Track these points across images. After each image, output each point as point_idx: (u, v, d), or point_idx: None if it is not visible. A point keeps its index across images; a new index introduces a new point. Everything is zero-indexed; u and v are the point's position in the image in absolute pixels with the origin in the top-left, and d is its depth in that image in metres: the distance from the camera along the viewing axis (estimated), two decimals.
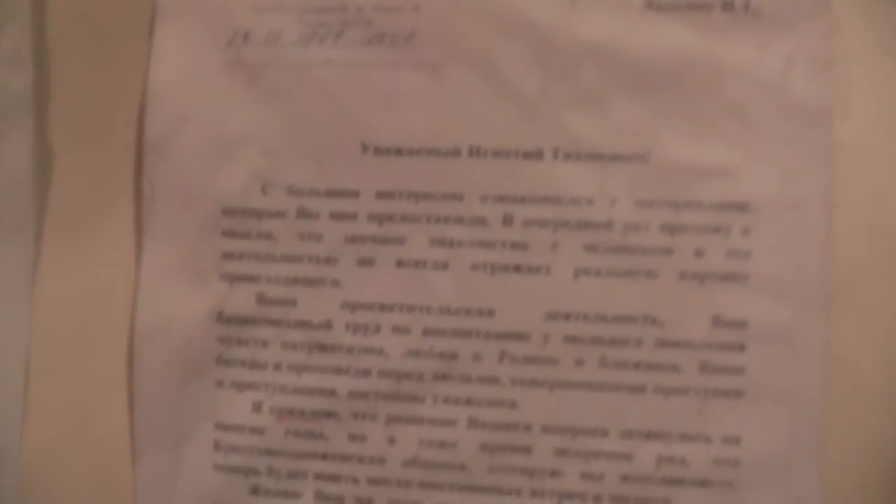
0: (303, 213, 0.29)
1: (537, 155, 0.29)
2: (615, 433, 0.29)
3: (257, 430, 0.30)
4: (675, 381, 0.29)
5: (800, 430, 0.29)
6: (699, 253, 0.28)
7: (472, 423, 0.29)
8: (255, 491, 0.30)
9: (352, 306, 0.29)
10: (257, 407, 0.30)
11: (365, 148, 0.29)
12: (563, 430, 0.29)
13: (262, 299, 0.29)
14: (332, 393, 0.29)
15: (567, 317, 0.29)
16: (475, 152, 0.29)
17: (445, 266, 0.29)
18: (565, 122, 0.28)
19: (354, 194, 0.29)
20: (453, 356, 0.29)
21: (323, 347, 0.29)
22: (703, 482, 0.29)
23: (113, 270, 0.30)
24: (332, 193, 0.29)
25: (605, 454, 0.29)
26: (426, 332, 0.29)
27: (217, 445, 0.30)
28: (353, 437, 0.30)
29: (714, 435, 0.29)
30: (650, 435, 0.29)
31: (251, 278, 0.29)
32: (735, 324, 0.28)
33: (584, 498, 0.29)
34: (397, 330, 0.29)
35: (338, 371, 0.29)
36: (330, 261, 0.29)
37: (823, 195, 0.28)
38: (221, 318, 0.30)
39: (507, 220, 0.29)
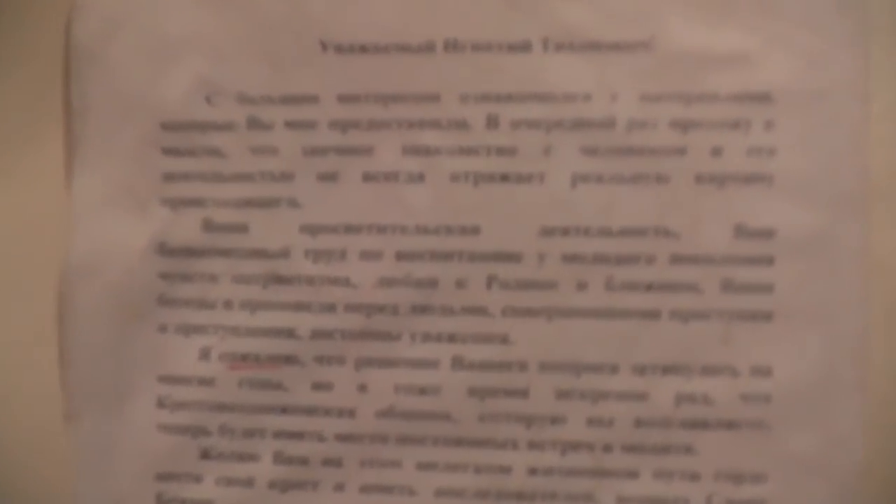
0: (254, 124, 0.25)
1: (524, 47, 0.25)
2: (626, 369, 0.24)
3: (206, 382, 0.25)
4: (694, 303, 0.24)
5: (838, 357, 0.24)
6: (716, 152, 0.24)
7: (457, 363, 0.24)
8: (205, 455, 0.25)
9: (312, 230, 0.25)
10: (205, 354, 0.25)
11: (324, 46, 0.25)
12: (565, 367, 0.24)
13: (209, 226, 0.25)
14: (291, 333, 0.25)
15: (565, 232, 0.24)
16: (452, 46, 0.24)
17: (421, 178, 0.24)
18: (555, 7, 0.24)
19: (313, 100, 0.25)
20: (433, 284, 0.24)
21: (280, 280, 0.25)
22: (730, 423, 0.24)
23: (42, 201, 0.26)
24: (287, 100, 0.25)
25: (614, 394, 0.24)
26: (400, 256, 0.24)
27: (161, 402, 0.25)
28: (317, 386, 0.25)
29: (741, 366, 0.24)
30: (667, 369, 0.24)
31: (196, 202, 0.25)
32: (761, 233, 0.24)
33: (591, 448, 0.24)
34: (366, 255, 0.25)
35: (298, 307, 0.25)
36: (286, 177, 0.25)
37: (857, 81, 0.24)
38: (163, 249, 0.25)
39: (492, 123, 0.24)
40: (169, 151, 0.25)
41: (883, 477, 0.25)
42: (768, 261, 0.24)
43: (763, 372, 0.24)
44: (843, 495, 0.24)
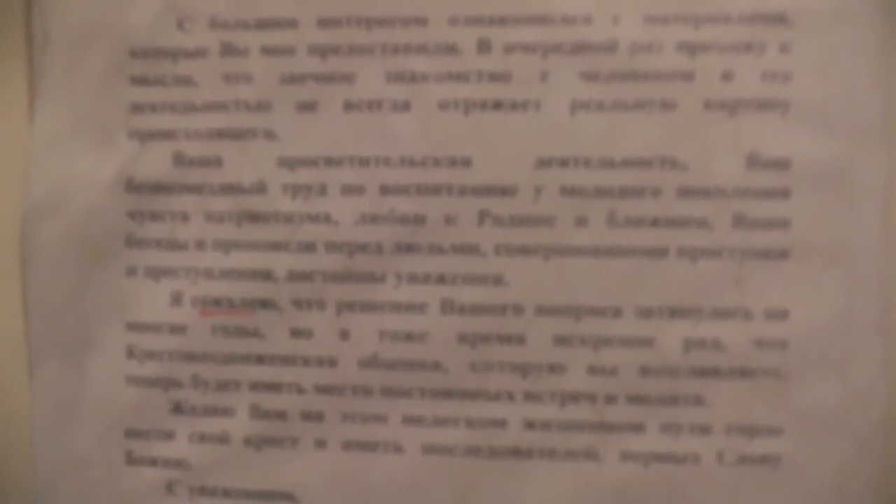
0: (228, 50, 0.23)
1: None
2: (630, 312, 0.22)
3: (178, 329, 0.23)
4: (704, 239, 0.22)
5: (859, 300, 0.22)
6: (727, 77, 0.22)
7: (447, 306, 0.22)
8: (177, 409, 0.23)
9: (290, 163, 0.22)
10: (177, 299, 0.22)
11: None
12: (564, 311, 0.22)
13: (179, 160, 0.23)
14: (267, 275, 0.22)
15: (563, 163, 0.22)
16: None
17: (407, 106, 0.22)
18: None
19: (291, 24, 0.23)
20: (420, 220, 0.22)
21: (255, 217, 0.22)
22: (743, 371, 0.22)
23: (5, 138, 0.23)
24: (263, 24, 0.23)
25: (618, 340, 0.22)
26: (384, 190, 0.22)
27: (130, 351, 0.23)
28: (296, 333, 0.22)
29: (755, 309, 0.22)
30: (675, 312, 0.22)
31: (166, 134, 0.23)
32: (775, 164, 0.22)
33: (592, 399, 0.22)
34: (348, 190, 0.22)
35: (275, 247, 0.22)
36: (262, 107, 0.22)
37: (880, 1, 0.22)
38: (131, 185, 0.23)
39: (484, 47, 0.22)
40: (137, 80, 0.23)
41: None
42: (784, 194, 0.22)
43: (779, 315, 0.22)
44: (864, 451, 0.22)
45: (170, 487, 0.24)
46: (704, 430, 0.22)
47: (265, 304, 0.23)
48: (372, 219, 0.23)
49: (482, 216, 0.22)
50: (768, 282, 0.22)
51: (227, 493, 0.24)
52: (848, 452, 0.22)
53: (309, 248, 0.23)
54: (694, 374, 0.22)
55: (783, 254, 0.22)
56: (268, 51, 0.23)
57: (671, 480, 0.23)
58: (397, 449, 0.23)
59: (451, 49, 0.22)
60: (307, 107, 0.23)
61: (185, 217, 0.23)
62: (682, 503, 0.23)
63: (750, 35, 0.22)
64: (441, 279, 0.23)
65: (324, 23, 0.23)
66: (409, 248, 0.23)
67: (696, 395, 0.22)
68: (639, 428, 0.23)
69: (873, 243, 0.22)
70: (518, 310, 0.22)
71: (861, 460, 0.22)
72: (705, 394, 0.22)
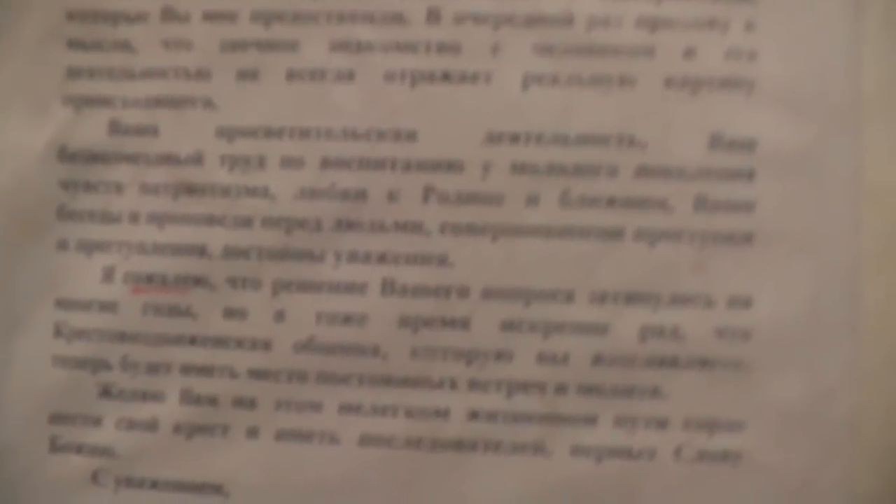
0: (169, 15, 0.21)
1: None
2: (583, 297, 0.20)
3: (108, 307, 0.21)
4: (664, 222, 0.21)
5: (827, 290, 0.21)
6: (689, 53, 0.20)
7: (388, 287, 0.20)
8: (105, 393, 0.21)
9: (229, 133, 0.21)
10: (108, 274, 0.21)
11: None
12: (513, 294, 0.20)
13: (115, 128, 0.21)
14: (202, 251, 0.21)
15: (514, 139, 0.20)
16: None
17: (351, 77, 0.21)
18: None
19: None
20: (361, 196, 0.21)
21: (192, 189, 0.21)
22: (704, 362, 0.20)
23: None
24: None
25: (569, 326, 0.20)
26: (325, 163, 0.21)
27: (58, 330, 0.21)
28: (229, 313, 0.21)
29: (717, 295, 0.21)
30: (631, 298, 0.20)
31: (103, 101, 0.22)
32: (740, 144, 0.20)
33: (542, 389, 0.20)
34: (287, 163, 0.21)
35: (210, 220, 0.21)
36: (202, 75, 0.21)
37: None
38: (64, 154, 0.22)
39: (433, 17, 0.21)
40: (74, 44, 0.22)
41: (875, 430, 0.20)
42: (748, 175, 0.21)
43: (742, 303, 0.20)
44: (831, 450, 0.21)
45: (95, 477, 0.22)
46: (661, 423, 0.21)
47: (199, 281, 0.21)
48: (311, 194, 0.21)
49: (427, 193, 0.21)
50: (731, 268, 0.21)
51: (154, 485, 0.22)
52: (814, 451, 0.21)
53: (246, 223, 0.21)
54: (651, 363, 0.21)
55: (747, 238, 0.20)
56: (209, 16, 0.22)
57: (625, 477, 0.21)
58: (333, 440, 0.21)
59: (398, 18, 0.21)
60: (248, 75, 0.21)
61: (119, 188, 0.22)
62: (636, 501, 0.21)
63: (713, 11, 0.21)
64: (382, 258, 0.21)
65: None
66: (349, 226, 0.21)
67: (652, 387, 0.21)
68: (591, 420, 0.21)
69: (843, 231, 0.21)
70: (463, 292, 0.21)
71: (827, 460, 0.21)
72: (663, 385, 0.21)
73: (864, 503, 0.21)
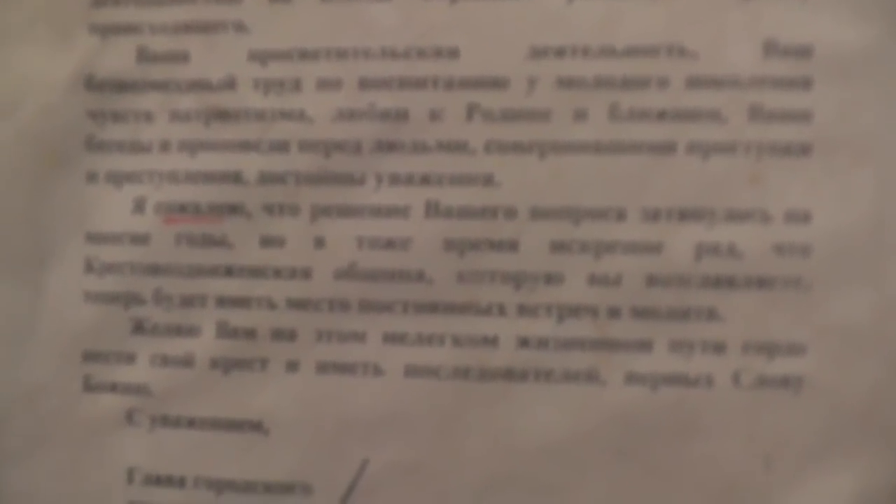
0: None
1: None
2: (635, 214, 0.19)
3: (140, 239, 0.20)
4: (717, 133, 0.20)
5: (891, 199, 0.20)
6: None
7: (432, 210, 0.19)
8: (139, 328, 0.20)
9: (262, 57, 0.20)
10: (140, 205, 0.20)
11: None
12: (562, 213, 0.20)
13: (143, 55, 0.21)
14: (237, 178, 0.20)
15: (560, 52, 0.19)
16: None
17: None
18: None
19: None
20: (402, 116, 0.20)
21: (224, 115, 0.20)
22: (762, 281, 0.19)
23: None
24: None
25: (621, 246, 0.19)
26: (363, 84, 0.20)
27: (89, 265, 0.21)
28: (266, 242, 0.20)
29: (774, 210, 0.20)
30: (685, 214, 0.19)
31: (130, 28, 0.21)
32: (795, 51, 0.20)
33: (594, 313, 0.19)
34: (324, 84, 0.20)
35: (244, 146, 0.20)
36: None
37: None
38: (92, 83, 0.21)
39: None
40: None
41: None
42: (805, 84, 0.20)
43: (800, 218, 0.19)
44: None
45: (129, 416, 0.21)
46: (719, 347, 0.20)
47: (234, 209, 0.20)
48: (350, 115, 0.20)
49: (471, 111, 0.20)
50: (788, 180, 0.20)
51: (190, 423, 0.21)
52: (880, 373, 0.19)
53: (282, 147, 0.20)
54: (707, 284, 0.20)
55: (805, 149, 0.19)
56: None
57: (682, 405, 0.20)
58: (377, 371, 0.20)
59: None
60: None
61: (149, 117, 0.21)
62: (693, 430, 0.20)
63: None
64: (425, 180, 0.20)
65: None
66: (390, 147, 0.20)
67: (709, 308, 0.20)
68: (645, 346, 0.20)
69: None
70: (510, 213, 0.20)
71: (893, 381, 0.19)
72: (719, 306, 0.20)
73: None
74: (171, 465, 0.21)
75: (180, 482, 0.21)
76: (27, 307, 0.21)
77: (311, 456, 0.21)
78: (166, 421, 0.21)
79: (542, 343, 0.20)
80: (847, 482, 0.20)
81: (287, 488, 0.21)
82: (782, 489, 0.20)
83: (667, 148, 0.20)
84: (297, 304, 0.20)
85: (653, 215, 0.20)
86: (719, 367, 0.20)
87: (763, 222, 0.20)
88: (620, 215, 0.20)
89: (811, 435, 0.20)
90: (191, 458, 0.21)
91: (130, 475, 0.21)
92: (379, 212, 0.20)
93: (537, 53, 0.20)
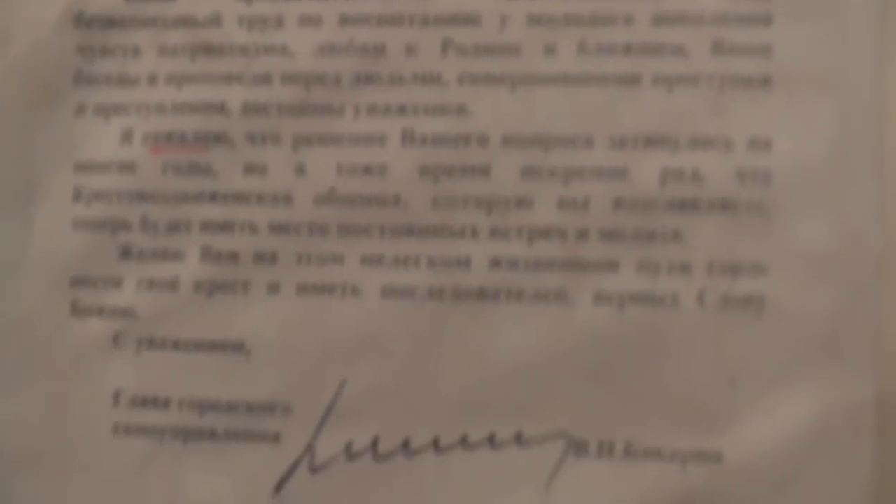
0: None
1: None
2: (602, 142, 0.20)
3: (127, 167, 0.21)
4: (681, 66, 0.21)
5: (849, 132, 0.20)
6: None
7: (408, 138, 0.20)
8: (126, 254, 0.21)
9: None
10: (127, 136, 0.21)
11: None
12: (532, 141, 0.20)
13: None
14: (221, 108, 0.21)
15: None
16: None
17: None
18: None
19: None
20: (380, 50, 0.21)
21: (210, 50, 0.21)
22: (725, 204, 0.20)
23: None
24: None
25: (589, 171, 0.20)
26: (343, 20, 0.21)
27: (77, 194, 0.21)
28: (249, 169, 0.20)
29: (736, 137, 0.20)
30: (650, 141, 0.20)
31: None
32: None
33: (563, 234, 0.20)
34: (305, 20, 0.21)
35: (229, 79, 0.21)
36: None
37: None
38: (81, 19, 0.22)
39: None
40: None
41: None
42: (766, 20, 0.20)
43: (762, 146, 0.20)
44: (857, 294, 0.20)
45: (116, 339, 0.22)
46: (684, 268, 0.20)
47: (218, 138, 0.21)
48: (330, 50, 0.21)
49: (445, 45, 0.21)
50: (750, 111, 0.20)
51: (175, 345, 0.21)
52: (840, 297, 0.20)
53: (265, 80, 0.21)
54: (672, 207, 0.20)
55: (766, 82, 0.20)
56: None
57: (649, 325, 0.20)
58: (355, 292, 0.21)
59: None
60: None
61: (137, 51, 0.22)
62: (660, 349, 0.20)
63: None
64: (402, 110, 0.21)
65: None
66: (368, 79, 0.21)
67: (674, 231, 0.20)
68: (613, 266, 0.20)
69: (866, 72, 0.20)
70: (483, 141, 0.21)
71: (854, 306, 0.20)
72: (684, 229, 0.20)
73: (891, 349, 0.20)
74: (155, 387, 0.22)
75: (164, 403, 0.22)
76: (17, 237, 0.22)
77: (291, 376, 0.21)
78: (152, 343, 0.22)
79: (514, 264, 0.21)
80: (808, 402, 0.20)
81: (268, 408, 0.21)
82: (747, 407, 0.20)
83: (633, 80, 0.20)
84: (279, 229, 0.21)
85: (619, 143, 0.20)
86: (684, 287, 0.20)
87: (726, 150, 0.20)
88: (588, 142, 0.21)
89: (774, 356, 0.20)
90: (175, 380, 0.22)
91: (116, 398, 0.22)
92: (357, 140, 0.21)
93: None
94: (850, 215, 0.20)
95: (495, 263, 0.21)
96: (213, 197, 0.21)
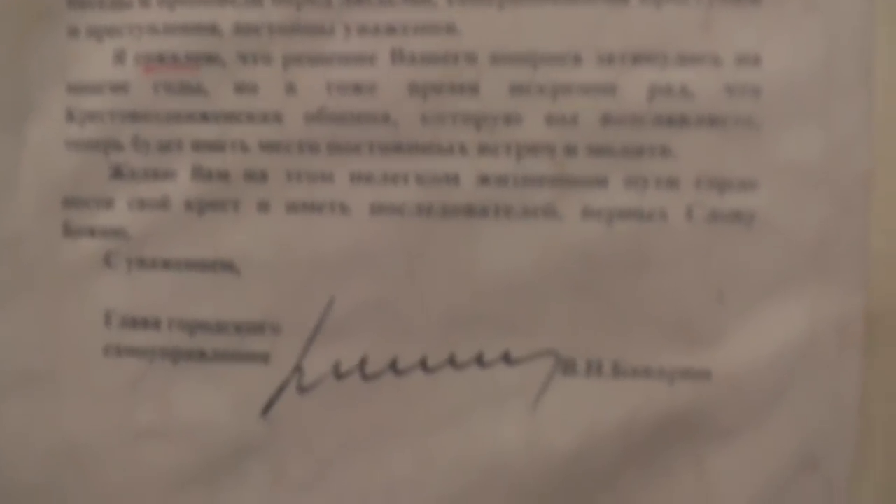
0: None
1: None
2: (591, 58, 0.20)
3: (120, 88, 0.21)
4: None
5: (839, 43, 0.20)
6: None
7: (398, 56, 0.20)
8: (117, 173, 0.21)
9: None
10: (120, 56, 0.21)
11: None
12: (520, 58, 0.20)
13: None
14: (213, 29, 0.21)
15: None
16: None
17: None
18: None
19: None
20: None
21: None
22: (713, 119, 0.20)
23: None
24: None
25: (577, 87, 0.20)
26: None
27: (70, 114, 0.21)
28: (240, 88, 0.21)
29: (725, 53, 0.20)
30: (638, 58, 0.20)
31: None
32: None
33: (551, 150, 0.20)
34: None
35: (221, 0, 0.20)
36: None
37: None
38: None
39: None
40: None
41: (890, 186, 0.20)
42: None
43: (750, 61, 0.20)
44: (845, 206, 0.20)
45: (107, 259, 0.22)
46: (672, 182, 0.20)
47: (210, 58, 0.21)
48: None
49: None
50: (739, 27, 0.20)
51: (166, 264, 0.21)
52: (828, 209, 0.20)
53: (256, 1, 0.21)
54: (660, 122, 0.20)
55: None
56: None
57: (637, 239, 0.20)
58: (344, 209, 0.21)
59: None
60: None
61: None
62: (649, 264, 0.20)
63: None
64: (391, 29, 0.21)
65: None
66: (358, 0, 0.21)
67: (662, 145, 0.20)
68: (601, 181, 0.20)
69: None
70: (471, 59, 0.21)
71: (842, 218, 0.20)
72: (672, 144, 0.20)
73: (879, 261, 0.20)
74: (146, 307, 0.22)
75: (155, 324, 0.22)
76: (10, 157, 0.22)
77: (280, 295, 0.21)
78: (143, 263, 0.22)
79: (502, 180, 0.21)
80: (797, 314, 0.20)
81: (257, 328, 0.21)
82: (736, 321, 0.20)
83: None
84: (269, 147, 0.21)
85: (607, 59, 0.20)
86: (673, 202, 0.20)
87: (714, 65, 0.20)
88: (577, 59, 0.21)
89: (762, 270, 0.20)
90: (166, 300, 0.22)
91: (107, 318, 0.22)
92: (347, 59, 0.21)
93: None
94: (839, 129, 0.20)
95: (483, 180, 0.21)
96: (205, 116, 0.21)
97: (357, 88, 0.21)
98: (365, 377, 0.21)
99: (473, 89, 0.21)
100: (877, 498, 0.20)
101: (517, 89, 0.21)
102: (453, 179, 0.21)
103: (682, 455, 0.21)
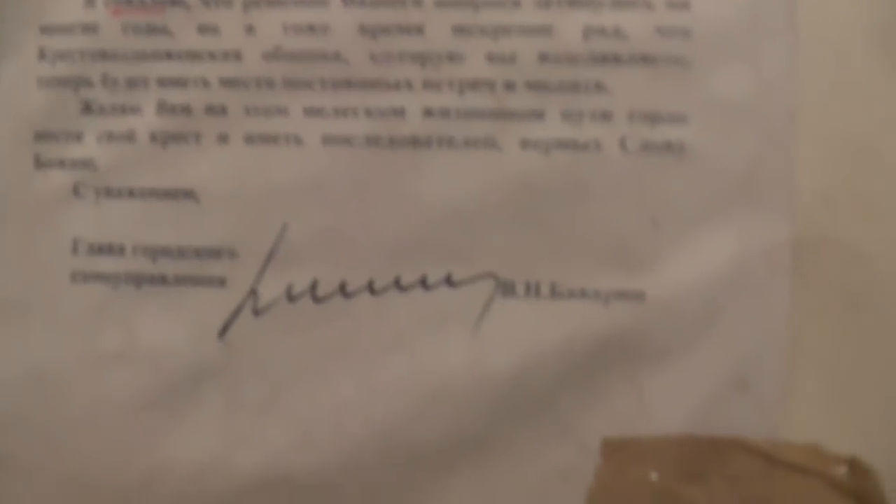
0: None
1: None
2: (529, 2, 0.22)
3: (90, 28, 0.23)
4: None
5: None
6: None
7: (349, 0, 0.21)
8: (87, 108, 0.22)
9: None
10: (90, 0, 0.22)
11: None
12: (463, 2, 0.22)
13: None
14: None
15: None
16: None
17: None
18: None
19: None
20: None
21: None
22: (645, 58, 0.21)
23: None
24: None
25: (516, 29, 0.21)
26: None
27: (42, 53, 0.23)
28: (203, 30, 0.22)
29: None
30: (574, 2, 0.21)
31: None
32: None
33: (491, 86, 0.21)
34: None
35: None
36: None
37: None
38: None
39: None
40: None
41: (815, 120, 0.21)
42: None
43: (680, 5, 0.21)
44: (772, 140, 0.21)
45: (76, 189, 0.23)
46: (606, 116, 0.21)
47: (175, 2, 0.23)
48: None
49: None
50: None
51: (131, 193, 0.23)
52: (756, 143, 0.21)
53: None
54: (594, 60, 0.21)
55: None
56: None
57: (574, 168, 0.21)
58: (298, 141, 0.22)
59: None
60: None
61: None
62: (585, 192, 0.21)
63: None
64: None
65: None
66: None
67: (596, 82, 0.21)
68: (539, 115, 0.21)
69: None
70: (418, 2, 0.22)
71: (769, 151, 0.21)
72: (606, 80, 0.21)
73: (805, 193, 0.21)
74: (112, 235, 0.23)
75: (120, 250, 0.23)
76: None
77: (237, 222, 0.22)
78: (109, 192, 0.23)
79: (445, 113, 0.22)
80: (727, 242, 0.21)
81: (215, 253, 0.22)
82: (669, 247, 0.21)
83: None
84: (229, 83, 0.22)
85: (545, 3, 0.22)
86: (607, 134, 0.21)
87: (646, 9, 0.22)
88: (515, 3, 0.22)
89: (695, 198, 0.21)
90: (130, 227, 0.23)
91: (75, 246, 0.23)
92: (302, 2, 0.22)
93: None
94: (766, 68, 0.21)
95: (428, 113, 0.22)
96: (169, 55, 0.23)
97: (311, 29, 0.22)
98: (316, 300, 0.22)
99: (419, 30, 0.22)
100: (807, 417, 0.21)
101: (460, 30, 0.22)
102: (400, 113, 0.22)
103: (619, 375, 0.22)
